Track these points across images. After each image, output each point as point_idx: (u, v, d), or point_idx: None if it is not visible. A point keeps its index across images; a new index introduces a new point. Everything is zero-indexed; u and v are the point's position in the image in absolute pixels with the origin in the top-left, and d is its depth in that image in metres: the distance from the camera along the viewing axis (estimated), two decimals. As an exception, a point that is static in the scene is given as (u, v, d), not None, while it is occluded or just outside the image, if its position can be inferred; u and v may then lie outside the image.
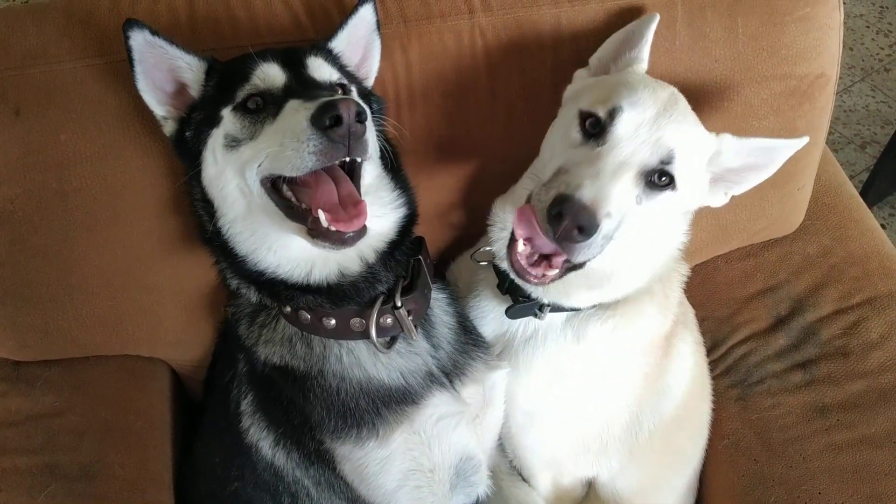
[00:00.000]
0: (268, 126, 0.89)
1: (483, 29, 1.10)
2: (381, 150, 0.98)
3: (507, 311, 1.09)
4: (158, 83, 0.97)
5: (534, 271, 0.93)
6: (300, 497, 1.08)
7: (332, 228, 0.85)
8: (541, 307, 1.06)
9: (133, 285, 1.14)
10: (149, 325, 1.18)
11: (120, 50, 1.03)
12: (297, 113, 0.85)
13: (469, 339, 1.10)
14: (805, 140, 1.01)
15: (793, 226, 1.34)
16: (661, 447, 1.18)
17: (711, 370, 1.27)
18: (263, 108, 0.91)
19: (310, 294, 0.96)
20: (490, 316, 1.13)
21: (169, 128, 1.00)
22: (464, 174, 1.21)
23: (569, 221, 0.85)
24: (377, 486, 1.02)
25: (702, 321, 1.28)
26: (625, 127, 0.92)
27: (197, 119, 0.96)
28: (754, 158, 1.01)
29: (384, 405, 1.00)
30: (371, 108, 1.00)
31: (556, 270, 0.93)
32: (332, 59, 1.00)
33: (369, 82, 1.08)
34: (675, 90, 1.00)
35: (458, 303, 1.14)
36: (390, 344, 1.00)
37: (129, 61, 0.94)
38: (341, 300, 0.96)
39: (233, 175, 0.92)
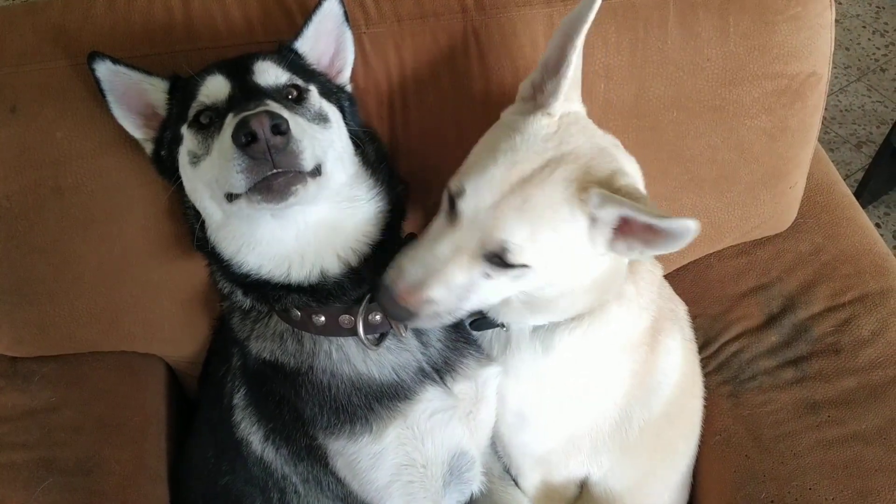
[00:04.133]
0: (216, 141, 0.89)
1: (476, 28, 1.11)
2: (358, 146, 0.99)
3: (470, 325, 1.09)
4: (132, 108, 0.99)
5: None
6: (288, 493, 1.09)
7: (273, 181, 0.83)
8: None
9: (129, 282, 1.15)
10: (145, 322, 1.19)
11: (118, 48, 1.05)
12: (228, 128, 0.84)
13: (460, 336, 1.10)
14: (689, 228, 0.81)
15: (785, 224, 1.35)
16: (653, 444, 1.18)
17: (703, 367, 1.28)
18: (213, 122, 0.91)
19: (295, 293, 0.96)
20: (468, 322, 1.13)
21: (148, 149, 1.02)
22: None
23: (392, 313, 0.92)
24: (370, 481, 1.02)
25: (694, 318, 1.29)
26: (466, 209, 0.88)
27: (167, 138, 0.98)
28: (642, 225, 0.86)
29: (376, 401, 1.01)
30: (342, 105, 1.00)
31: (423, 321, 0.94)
32: (288, 60, 0.98)
33: (345, 75, 1.07)
34: (559, 155, 0.88)
35: None
36: (380, 341, 1.01)
37: (101, 92, 0.98)
38: (327, 299, 0.96)
39: (203, 188, 0.93)
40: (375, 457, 1.01)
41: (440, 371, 1.06)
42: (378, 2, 1.10)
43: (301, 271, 0.95)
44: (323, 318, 0.98)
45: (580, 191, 0.86)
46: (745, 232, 1.34)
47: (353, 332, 0.98)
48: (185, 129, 0.94)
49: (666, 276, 1.37)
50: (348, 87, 1.07)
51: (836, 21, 1.20)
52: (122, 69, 0.97)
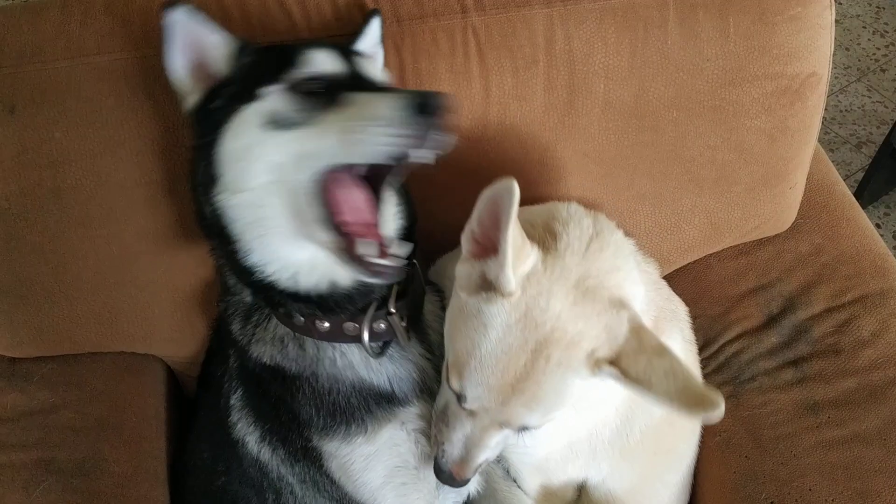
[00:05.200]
0: (330, 114, 0.85)
1: (476, 28, 1.10)
2: None
3: None
4: (188, 59, 0.95)
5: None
6: (284, 494, 1.09)
7: (375, 261, 0.84)
8: None
9: (127, 282, 1.15)
10: (143, 322, 1.19)
11: (116, 48, 1.05)
12: (381, 101, 0.83)
13: None
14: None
15: (785, 224, 1.35)
16: (653, 447, 1.18)
17: (703, 367, 1.27)
18: (321, 94, 0.88)
19: (300, 302, 0.94)
20: None
21: (192, 100, 0.96)
22: (457, 174, 1.21)
23: (456, 485, 0.99)
24: (363, 483, 1.02)
25: (694, 319, 1.28)
26: (476, 409, 0.90)
27: (228, 93, 0.93)
28: None
29: (375, 403, 1.00)
30: None
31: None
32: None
33: None
34: (542, 338, 0.82)
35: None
36: (383, 349, 1.00)
37: (164, 36, 0.92)
38: (333, 310, 0.95)
39: (272, 154, 0.87)
40: (369, 458, 1.01)
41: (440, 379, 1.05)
42: (377, 1, 1.09)
43: (309, 280, 0.93)
44: (327, 324, 0.96)
45: (592, 368, 0.83)
46: (745, 232, 1.34)
47: (355, 339, 0.97)
48: (274, 90, 0.88)
49: (665, 277, 1.37)
50: None
51: (836, 21, 1.20)
52: (199, 18, 0.93)
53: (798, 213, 1.35)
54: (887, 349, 1.19)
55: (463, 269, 0.89)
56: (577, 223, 0.93)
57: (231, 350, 1.09)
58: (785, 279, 1.31)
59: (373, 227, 0.87)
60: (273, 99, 0.88)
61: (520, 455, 1.18)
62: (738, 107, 1.19)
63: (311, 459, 1.03)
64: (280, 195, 0.88)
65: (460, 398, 0.91)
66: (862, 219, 1.37)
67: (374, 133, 0.81)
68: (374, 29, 1.05)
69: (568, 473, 1.20)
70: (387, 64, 1.10)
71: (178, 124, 1.07)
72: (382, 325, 0.98)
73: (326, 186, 0.86)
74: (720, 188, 1.26)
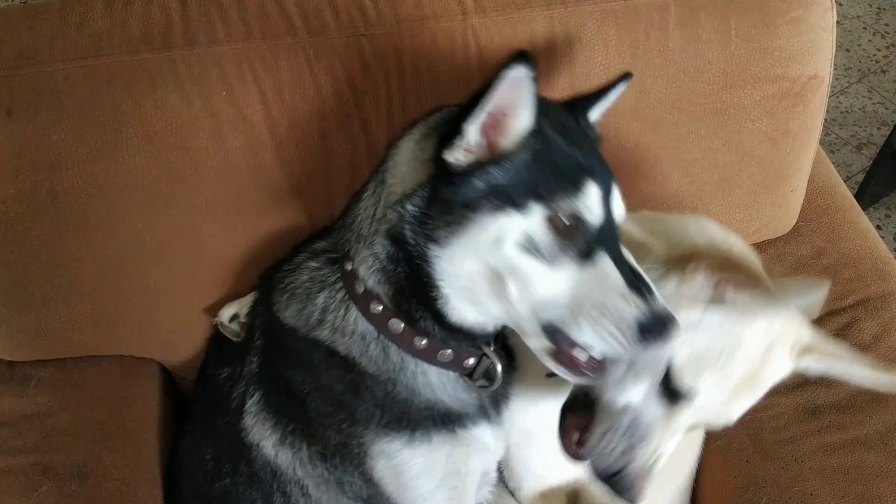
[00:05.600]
0: (572, 264, 0.81)
1: (476, 30, 1.10)
2: None
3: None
4: (492, 115, 0.81)
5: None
6: (294, 495, 1.08)
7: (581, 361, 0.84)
8: None
9: (125, 286, 1.14)
10: (141, 326, 1.19)
11: (113, 51, 1.04)
12: (617, 295, 0.80)
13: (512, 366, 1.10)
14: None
15: (786, 227, 1.35)
16: None
17: (704, 372, 1.27)
18: (572, 234, 0.81)
19: (446, 329, 0.92)
20: None
21: (463, 159, 0.82)
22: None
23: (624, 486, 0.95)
24: (415, 487, 1.01)
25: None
26: (696, 401, 0.92)
27: (497, 179, 0.81)
28: None
29: (442, 422, 1.00)
30: None
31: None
32: None
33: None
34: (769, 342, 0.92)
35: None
36: (484, 386, 1.00)
37: (489, 88, 0.78)
38: (455, 339, 0.94)
39: (508, 279, 0.82)
40: (429, 465, 1.00)
41: (497, 403, 1.06)
42: (377, 3, 1.09)
43: (479, 320, 0.92)
44: (425, 342, 0.94)
45: (796, 359, 0.95)
46: (746, 235, 1.32)
47: (447, 366, 0.96)
48: (540, 211, 0.80)
49: (666, 280, 1.37)
50: None
51: (837, 22, 1.20)
52: (532, 84, 0.79)
53: (799, 216, 1.35)
54: (889, 352, 1.19)
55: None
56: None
57: (251, 356, 1.07)
58: (786, 282, 1.30)
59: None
60: (535, 221, 0.81)
61: (525, 463, 1.17)
62: (739, 109, 1.19)
63: (344, 457, 1.02)
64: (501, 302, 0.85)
65: (678, 395, 0.91)
66: (863, 222, 1.37)
67: (604, 329, 0.79)
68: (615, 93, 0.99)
69: (570, 476, 1.19)
70: (386, 67, 1.09)
71: (178, 126, 1.06)
72: (471, 361, 0.97)
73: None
74: (721, 191, 1.26)
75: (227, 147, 1.08)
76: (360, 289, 0.94)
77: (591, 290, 0.81)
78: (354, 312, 0.97)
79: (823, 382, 1.19)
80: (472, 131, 0.81)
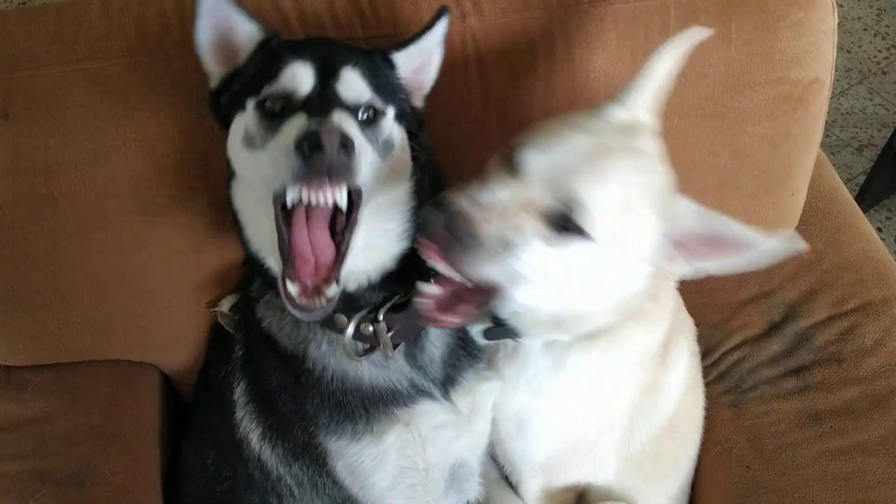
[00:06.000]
0: (276, 138, 0.84)
1: (475, 34, 1.09)
2: (416, 174, 0.95)
3: (483, 333, 1.07)
4: (216, 41, 0.93)
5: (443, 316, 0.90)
6: (285, 497, 1.08)
7: (297, 298, 0.82)
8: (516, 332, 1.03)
9: (123, 290, 1.14)
10: (139, 330, 1.18)
11: (110, 54, 1.04)
12: (293, 130, 0.80)
13: (462, 352, 1.08)
14: (772, 244, 0.84)
15: (787, 231, 1.34)
16: (655, 454, 1.17)
17: (704, 376, 1.26)
18: (283, 113, 0.85)
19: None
20: (474, 329, 1.11)
21: (213, 82, 0.96)
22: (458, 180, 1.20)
23: (458, 234, 0.83)
24: (371, 485, 1.01)
25: (695, 326, 1.28)
26: (537, 166, 0.86)
27: (234, 90, 0.92)
28: (716, 241, 0.88)
29: (372, 404, 0.99)
30: (410, 128, 0.96)
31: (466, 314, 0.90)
32: (378, 72, 0.93)
33: (423, 91, 1.02)
34: (640, 148, 0.89)
35: None
36: (367, 352, 0.98)
37: (196, 14, 0.91)
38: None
39: (249, 174, 0.89)
40: (378, 458, 0.99)
41: (444, 384, 1.04)
42: (375, 7, 1.08)
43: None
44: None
45: (664, 195, 0.88)
46: (747, 239, 1.33)
47: (341, 331, 0.95)
48: (251, 103, 0.88)
49: (666, 284, 1.36)
50: (420, 107, 1.02)
51: (838, 24, 1.19)
52: (229, 4, 0.91)
53: (800, 220, 1.34)
54: (890, 358, 1.18)
55: None
56: None
57: (238, 336, 1.07)
58: (787, 286, 1.30)
59: (321, 269, 0.85)
60: (249, 113, 0.88)
61: (521, 456, 1.16)
62: (740, 113, 1.18)
63: (311, 458, 1.02)
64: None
65: (518, 156, 0.86)
66: (864, 225, 1.36)
67: (278, 165, 0.80)
68: (435, 33, 0.99)
69: (570, 477, 1.19)
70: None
71: (177, 130, 1.06)
72: (370, 328, 0.96)
73: (294, 214, 0.84)
74: (722, 195, 1.25)
75: (223, 151, 1.08)
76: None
77: (278, 143, 0.83)
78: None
79: (825, 387, 1.19)
80: (204, 51, 0.93)
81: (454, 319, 0.90)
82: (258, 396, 1.05)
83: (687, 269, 0.91)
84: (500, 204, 0.84)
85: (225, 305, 1.14)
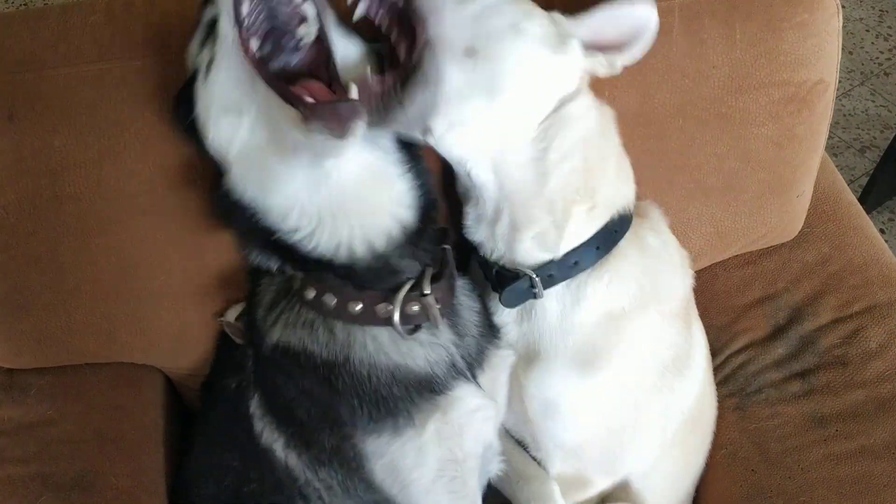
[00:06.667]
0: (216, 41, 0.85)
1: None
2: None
3: (500, 299, 1.04)
4: None
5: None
6: (313, 500, 1.06)
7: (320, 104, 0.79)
8: (532, 283, 1.00)
9: (127, 293, 1.13)
10: (143, 333, 1.18)
11: (116, 55, 1.04)
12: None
13: (488, 325, 1.07)
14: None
15: (791, 233, 1.34)
16: (681, 446, 1.16)
17: (709, 379, 1.26)
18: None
19: (328, 271, 0.92)
20: (496, 309, 1.08)
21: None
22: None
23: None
24: (413, 481, 0.98)
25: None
26: None
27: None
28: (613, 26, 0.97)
29: (417, 392, 0.96)
30: None
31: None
32: None
33: None
34: None
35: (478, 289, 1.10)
36: (414, 331, 0.97)
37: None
38: (362, 285, 0.92)
39: (225, 91, 0.87)
40: (420, 451, 0.97)
41: (472, 364, 1.02)
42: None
43: (330, 241, 0.90)
44: (360, 306, 0.93)
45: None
46: (752, 241, 1.33)
47: (388, 322, 0.93)
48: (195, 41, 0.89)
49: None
50: None
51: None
52: None
53: (805, 222, 1.34)
54: (895, 361, 1.18)
55: None
56: None
57: (249, 351, 1.06)
58: (792, 289, 1.30)
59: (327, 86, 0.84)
60: (194, 47, 0.90)
61: (553, 436, 1.11)
62: (744, 114, 1.18)
63: (341, 462, 1.00)
64: (251, 113, 0.85)
65: None
66: (869, 228, 1.36)
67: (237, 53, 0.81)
68: None
69: (605, 465, 1.14)
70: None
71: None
72: (416, 308, 0.94)
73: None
74: (727, 197, 1.25)
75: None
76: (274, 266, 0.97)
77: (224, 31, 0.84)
78: (297, 304, 0.98)
79: (830, 391, 1.19)
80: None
81: (376, 88, 0.87)
82: (275, 408, 1.04)
83: (605, 65, 0.98)
84: None
85: (231, 315, 1.13)
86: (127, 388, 1.21)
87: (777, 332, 1.26)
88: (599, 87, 1.12)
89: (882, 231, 2.46)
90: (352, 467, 1.00)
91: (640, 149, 1.18)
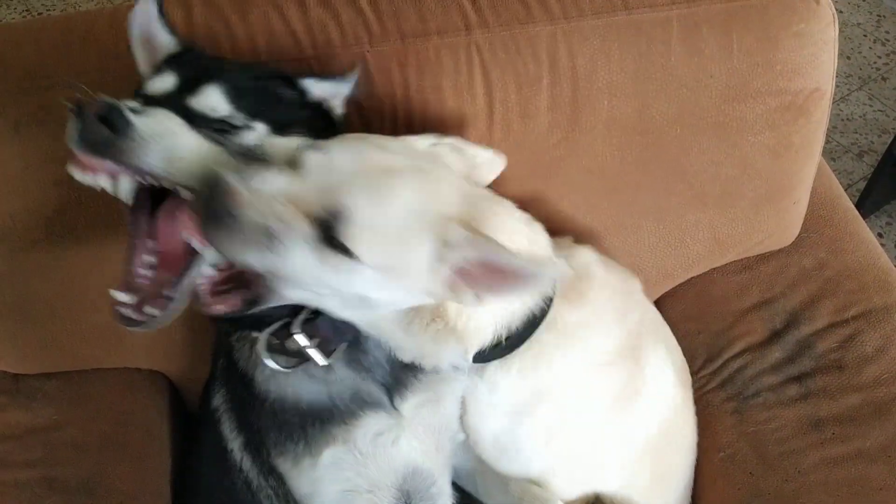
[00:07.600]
0: None
1: (480, 45, 1.10)
2: None
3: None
4: (146, 50, 0.98)
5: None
6: None
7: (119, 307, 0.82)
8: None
9: (132, 299, 1.14)
10: (147, 339, 1.19)
11: (121, 66, 1.05)
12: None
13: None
14: (546, 275, 0.79)
15: (789, 239, 1.35)
16: (653, 465, 1.17)
17: (707, 383, 1.27)
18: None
19: None
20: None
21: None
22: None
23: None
24: None
25: (697, 334, 1.29)
26: (316, 163, 0.80)
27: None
28: (493, 269, 0.79)
29: (310, 424, 0.97)
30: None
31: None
32: (249, 93, 0.91)
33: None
34: (431, 169, 0.84)
35: None
36: (296, 365, 0.96)
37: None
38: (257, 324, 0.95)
39: None
40: (314, 483, 0.97)
41: (390, 389, 1.00)
42: (381, 20, 1.09)
43: None
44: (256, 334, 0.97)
45: (443, 221, 0.79)
46: (749, 247, 1.34)
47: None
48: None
49: (668, 292, 1.37)
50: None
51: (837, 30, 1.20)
52: (154, 15, 0.96)
53: (802, 227, 1.35)
54: (891, 365, 1.19)
55: None
56: None
57: (221, 350, 1.08)
58: (789, 294, 1.31)
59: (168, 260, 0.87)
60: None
61: (516, 473, 1.11)
62: (741, 123, 1.19)
63: (278, 476, 1.01)
64: None
65: (303, 153, 0.80)
66: (865, 233, 1.37)
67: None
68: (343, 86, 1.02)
69: (573, 490, 1.15)
70: (391, 83, 1.10)
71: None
72: (294, 346, 0.94)
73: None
74: (724, 204, 1.27)
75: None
76: None
77: None
78: None
79: (826, 394, 1.20)
80: (141, 66, 0.98)
81: (221, 306, 0.86)
82: (236, 406, 1.05)
83: (473, 299, 0.82)
84: (270, 191, 0.77)
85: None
86: (132, 394, 1.22)
87: (774, 337, 1.28)
88: (599, 98, 1.14)
89: (880, 235, 2.47)
90: (283, 484, 1.01)
91: (639, 157, 1.20)
